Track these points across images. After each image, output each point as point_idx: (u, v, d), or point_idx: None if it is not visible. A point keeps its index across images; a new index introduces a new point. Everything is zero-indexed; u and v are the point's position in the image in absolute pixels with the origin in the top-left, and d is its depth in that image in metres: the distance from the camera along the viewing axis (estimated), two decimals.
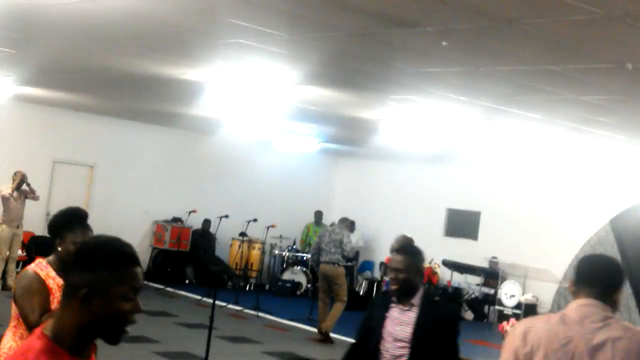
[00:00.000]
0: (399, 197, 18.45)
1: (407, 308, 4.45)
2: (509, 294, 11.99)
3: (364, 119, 11.03)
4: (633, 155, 11.65)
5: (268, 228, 15.38)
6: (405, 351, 4.39)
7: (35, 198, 13.17)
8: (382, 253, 18.17)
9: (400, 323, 4.43)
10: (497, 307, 11.74)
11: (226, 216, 15.44)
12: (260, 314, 13.64)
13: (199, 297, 14.50)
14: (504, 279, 12.43)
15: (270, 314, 13.75)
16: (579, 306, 3.26)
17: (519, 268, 12.87)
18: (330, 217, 18.80)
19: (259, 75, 8.33)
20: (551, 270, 13.80)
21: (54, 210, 15.44)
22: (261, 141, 17.03)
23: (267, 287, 17.26)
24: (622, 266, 3.41)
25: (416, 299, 4.46)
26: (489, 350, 11.35)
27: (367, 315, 4.64)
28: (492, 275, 15.35)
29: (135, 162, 16.61)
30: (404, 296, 4.45)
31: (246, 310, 13.83)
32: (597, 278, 3.29)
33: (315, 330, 12.15)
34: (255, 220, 15.18)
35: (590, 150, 11.66)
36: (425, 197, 17.94)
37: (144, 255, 16.41)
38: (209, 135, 16.36)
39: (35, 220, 14.92)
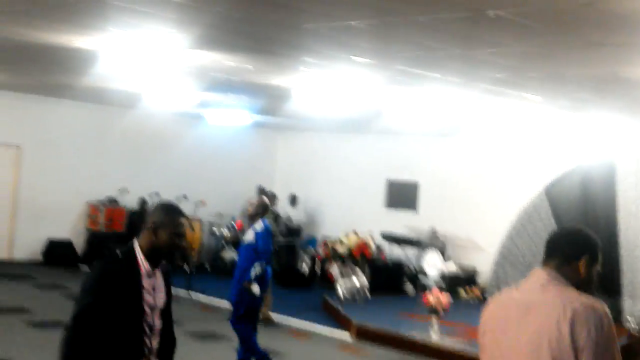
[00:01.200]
0: (339, 170, 18.22)
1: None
2: (431, 264, 11.77)
3: (276, 86, 10.72)
4: (558, 119, 11.46)
5: (197, 205, 15.02)
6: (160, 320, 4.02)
7: None
8: (326, 228, 17.99)
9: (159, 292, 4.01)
10: (420, 278, 11.48)
11: (157, 194, 15.05)
12: (193, 294, 13.32)
13: None
14: (425, 249, 12.24)
15: (204, 293, 13.43)
16: (530, 274, 3.27)
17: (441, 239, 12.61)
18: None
19: (153, 42, 7.97)
20: (473, 239, 13.67)
21: None
22: (192, 115, 16.60)
23: (207, 268, 16.91)
24: (585, 235, 3.32)
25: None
26: (411, 321, 11.22)
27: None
28: (432, 247, 15.21)
29: (63, 141, 16.09)
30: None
31: (180, 291, 13.49)
32: (554, 249, 3.29)
33: None
34: (185, 197, 14.84)
35: (513, 115, 11.47)
36: (365, 169, 17.74)
37: (79, 239, 16.00)
38: (136, 110, 15.88)
39: None
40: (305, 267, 16.00)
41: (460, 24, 5.97)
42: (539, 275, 3.26)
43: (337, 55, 8.15)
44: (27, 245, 15.43)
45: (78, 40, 8.34)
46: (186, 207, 15.78)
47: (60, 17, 7.42)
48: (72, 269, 14.99)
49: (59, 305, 11.10)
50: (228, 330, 10.45)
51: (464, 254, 16.12)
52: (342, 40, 7.40)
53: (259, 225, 8.20)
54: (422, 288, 11.25)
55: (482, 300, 15.31)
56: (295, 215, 17.93)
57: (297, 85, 10.39)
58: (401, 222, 16.64)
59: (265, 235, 8.14)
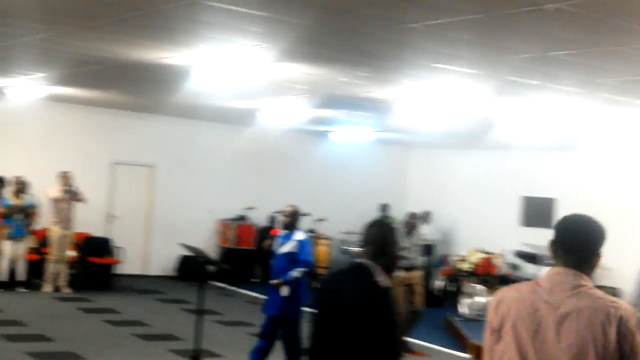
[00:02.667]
0: (473, 187, 17.69)
1: None
2: None
3: (380, 99, 10.55)
4: None
5: (318, 222, 14.99)
6: None
7: (81, 200, 13.23)
8: (460, 246, 17.49)
9: None
10: None
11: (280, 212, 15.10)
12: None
13: (256, 295, 14.25)
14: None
15: None
16: (552, 274, 3.14)
17: None
18: (404, 209, 18.24)
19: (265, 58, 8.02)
20: (612, 257, 12.75)
21: (116, 212, 15.84)
22: (317, 132, 16.66)
23: None
24: (594, 222, 3.19)
25: None
26: None
27: None
28: None
29: (195, 161, 16.56)
30: None
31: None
32: (574, 244, 3.14)
33: None
34: (307, 214, 14.81)
35: None
36: (499, 186, 17.14)
37: (210, 254, 16.35)
38: (261, 129, 16.10)
39: (94, 221, 15.10)
40: (437, 285, 15.60)
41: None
42: (566, 277, 3.11)
43: (441, 68, 7.92)
44: (161, 261, 15.91)
45: (176, 57, 8.51)
46: (308, 224, 15.83)
47: (159, 35, 7.64)
48: (203, 284, 15.24)
49: (175, 320, 11.32)
50: None
51: (603, 272, 15.21)
52: (445, 51, 7.17)
53: (300, 235, 8.01)
54: None
55: None
56: (428, 233, 17.54)
57: (400, 97, 10.16)
58: (537, 240, 15.91)
59: (308, 244, 7.97)
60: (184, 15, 6.65)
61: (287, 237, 8.00)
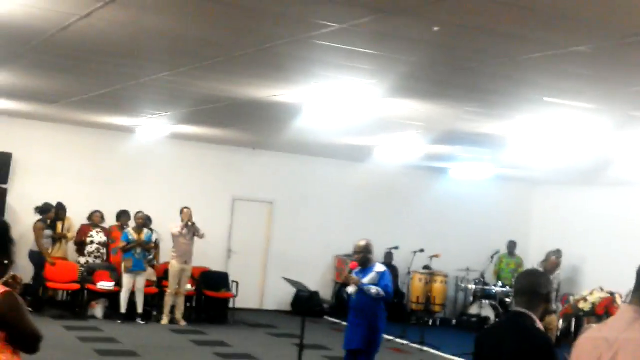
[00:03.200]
0: (599, 224, 17.02)
1: None
2: None
3: (490, 134, 10.35)
4: None
5: (432, 258, 14.79)
6: None
7: (200, 236, 13.55)
8: (585, 286, 16.83)
9: None
10: None
11: (396, 247, 15.07)
12: (425, 348, 13.05)
13: None
14: None
15: (437, 349, 13.09)
16: (618, 312, 3.17)
17: None
18: (526, 247, 17.78)
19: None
20: None
21: (235, 247, 16.14)
22: (434, 168, 16.51)
23: (453, 322, 16.57)
24: None
25: None
26: None
27: None
28: None
29: (313, 197, 16.70)
30: None
31: (412, 345, 13.30)
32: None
33: None
34: (421, 250, 14.71)
35: None
36: (627, 223, 16.42)
37: (326, 290, 16.43)
38: (374, 165, 16.11)
39: (214, 256, 15.44)
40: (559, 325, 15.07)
41: None
42: (626, 312, 3.10)
43: (554, 102, 7.73)
44: (277, 296, 16.08)
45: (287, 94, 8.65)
46: (422, 261, 15.66)
47: (269, 73, 7.82)
48: (317, 320, 15.35)
49: (284, 354, 11.37)
50: None
51: None
52: (562, 87, 7.01)
53: (380, 267, 7.96)
54: None
55: None
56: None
57: (515, 133, 9.94)
58: None
59: (389, 275, 7.93)
60: (294, 54, 6.77)
61: (366, 272, 7.92)
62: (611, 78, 6.62)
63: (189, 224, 13.40)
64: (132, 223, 13.78)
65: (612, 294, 13.52)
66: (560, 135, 9.81)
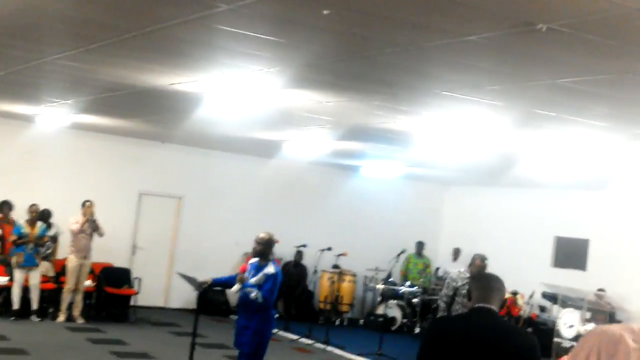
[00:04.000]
0: (506, 225, 17.20)
1: None
2: (568, 323, 10.47)
3: (397, 130, 10.25)
4: None
5: (339, 256, 14.68)
6: None
7: (100, 234, 13.10)
8: None
9: None
10: (555, 339, 10.20)
11: (304, 245, 14.90)
12: (329, 348, 12.90)
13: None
14: (564, 306, 10.94)
15: (342, 348, 12.96)
16: None
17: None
18: (435, 247, 17.85)
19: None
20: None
21: (141, 243, 15.70)
22: (345, 166, 16.41)
23: (360, 322, 16.48)
24: None
25: None
26: None
27: None
28: (598, 311, 13.87)
29: (223, 193, 16.40)
30: None
31: (317, 344, 13.14)
32: None
33: None
34: (329, 249, 14.59)
35: None
36: (532, 225, 16.63)
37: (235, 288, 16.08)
38: (284, 161, 15.93)
39: (118, 251, 15.00)
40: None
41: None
42: None
43: (455, 97, 7.64)
44: (183, 294, 15.66)
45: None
46: (330, 259, 15.54)
47: (162, 58, 7.53)
48: (223, 318, 15.05)
49: (184, 352, 11.01)
50: None
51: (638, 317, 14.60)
52: (459, 79, 6.90)
53: (270, 268, 7.63)
54: (559, 348, 10.11)
55: None
56: (455, 270, 17.06)
57: (421, 129, 9.86)
58: (568, 282, 15.37)
59: (274, 281, 7.55)
60: (190, 38, 6.50)
61: (260, 269, 7.66)
62: (508, 71, 6.52)
63: (90, 219, 12.93)
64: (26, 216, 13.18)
65: (514, 293, 13.64)
66: (465, 133, 9.78)
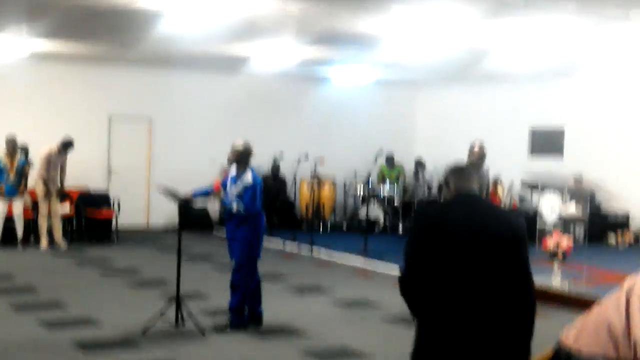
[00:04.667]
0: (482, 121, 17.21)
1: None
2: (549, 207, 10.55)
3: (362, 33, 10.08)
4: None
5: (316, 162, 14.69)
6: None
7: (62, 173, 12.98)
8: None
9: None
10: (538, 224, 10.33)
11: (281, 152, 14.90)
12: (315, 252, 13.03)
13: None
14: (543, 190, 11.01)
15: (327, 248, 13.11)
16: None
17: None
18: (412, 150, 17.89)
19: None
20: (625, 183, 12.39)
21: (116, 166, 15.62)
22: (317, 77, 16.28)
23: (343, 226, 16.61)
24: None
25: None
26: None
27: None
28: (575, 195, 14.10)
29: (193, 111, 16.25)
30: None
31: (303, 250, 13.26)
32: None
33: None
34: (306, 157, 14.63)
35: None
36: (508, 118, 16.67)
37: (214, 205, 16.06)
38: (259, 75, 15.77)
39: (94, 176, 14.94)
40: None
41: None
42: None
43: None
44: (164, 213, 15.64)
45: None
46: (308, 168, 15.55)
47: None
48: (207, 233, 15.13)
49: (170, 267, 11.10)
50: (333, 284, 10.11)
51: (616, 199, 14.85)
52: None
53: (248, 178, 7.54)
54: (542, 233, 10.24)
55: (636, 244, 14.07)
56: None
57: (390, 28, 9.72)
58: (546, 170, 15.54)
59: (254, 189, 7.47)
60: None
61: (239, 178, 7.61)
62: None
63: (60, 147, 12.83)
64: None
65: (495, 183, 13.78)
66: (433, 29, 9.66)
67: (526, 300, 3.71)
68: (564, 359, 2.87)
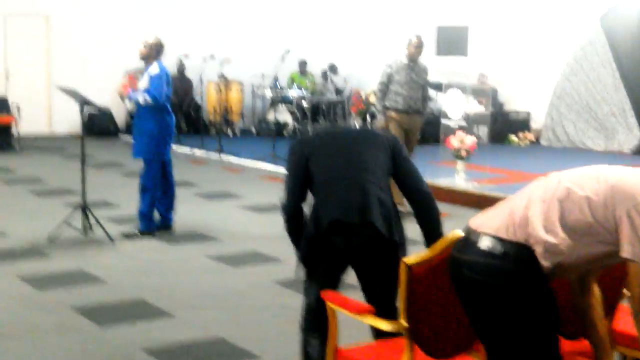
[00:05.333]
0: (386, 21, 17.15)
1: None
2: (453, 104, 10.73)
3: None
4: None
5: (222, 63, 14.46)
6: None
7: None
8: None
9: None
10: (442, 121, 10.48)
11: (186, 55, 14.57)
12: (223, 156, 12.95)
13: None
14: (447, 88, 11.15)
15: (237, 155, 13.03)
16: None
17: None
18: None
19: None
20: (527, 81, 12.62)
21: (13, 68, 14.99)
22: None
23: (253, 130, 16.49)
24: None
25: None
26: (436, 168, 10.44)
27: None
28: (481, 93, 14.29)
29: (93, 10, 15.61)
30: None
31: (211, 155, 13.17)
32: None
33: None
34: (212, 56, 14.34)
35: None
36: (413, 16, 16.63)
37: (119, 110, 15.65)
38: None
39: None
40: (355, 125, 15.33)
41: None
42: None
43: None
44: (67, 119, 15.18)
45: None
46: (213, 67, 15.24)
47: None
48: (112, 140, 14.83)
49: (75, 175, 10.89)
50: (243, 189, 10.12)
51: (517, 98, 15.19)
52: None
53: (154, 68, 7.47)
54: (446, 132, 10.44)
55: (536, 144, 14.48)
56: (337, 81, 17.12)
57: None
58: (451, 69, 15.68)
59: (159, 78, 7.38)
60: None
61: (145, 72, 7.49)
62: None
63: None
64: None
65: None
66: None
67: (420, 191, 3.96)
68: (463, 237, 2.98)
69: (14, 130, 13.59)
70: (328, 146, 3.98)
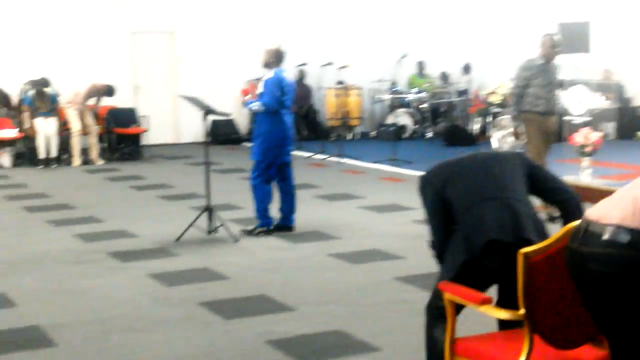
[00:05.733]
0: (508, 20, 16.87)
1: None
2: (577, 100, 10.35)
3: None
4: None
5: (340, 69, 14.59)
6: None
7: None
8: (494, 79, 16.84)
9: None
10: (566, 118, 10.14)
11: (304, 64, 14.76)
12: (344, 160, 13.07)
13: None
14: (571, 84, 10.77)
15: (357, 158, 13.13)
16: None
17: None
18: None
19: None
20: None
21: (141, 82, 15.59)
22: None
23: (372, 134, 16.57)
24: None
25: None
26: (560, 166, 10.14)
27: None
28: (606, 89, 13.93)
29: (215, 23, 16.07)
30: None
31: (331, 158, 13.30)
32: None
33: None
34: (329, 63, 14.48)
35: None
36: (534, 14, 16.32)
37: (244, 118, 16.03)
38: None
39: (120, 93, 14.97)
40: (475, 125, 15.19)
41: None
42: None
43: None
44: (192, 129, 15.63)
45: None
46: (333, 76, 15.39)
47: None
48: (235, 146, 15.21)
49: (201, 180, 11.23)
50: (363, 190, 10.16)
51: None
52: None
53: (269, 74, 7.60)
54: (570, 129, 10.14)
55: None
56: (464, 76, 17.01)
57: None
58: (574, 66, 15.28)
59: (272, 84, 7.50)
60: None
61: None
62: None
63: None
64: None
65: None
66: None
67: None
68: (582, 229, 2.90)
69: (143, 140, 14.15)
70: (461, 170, 3.92)
